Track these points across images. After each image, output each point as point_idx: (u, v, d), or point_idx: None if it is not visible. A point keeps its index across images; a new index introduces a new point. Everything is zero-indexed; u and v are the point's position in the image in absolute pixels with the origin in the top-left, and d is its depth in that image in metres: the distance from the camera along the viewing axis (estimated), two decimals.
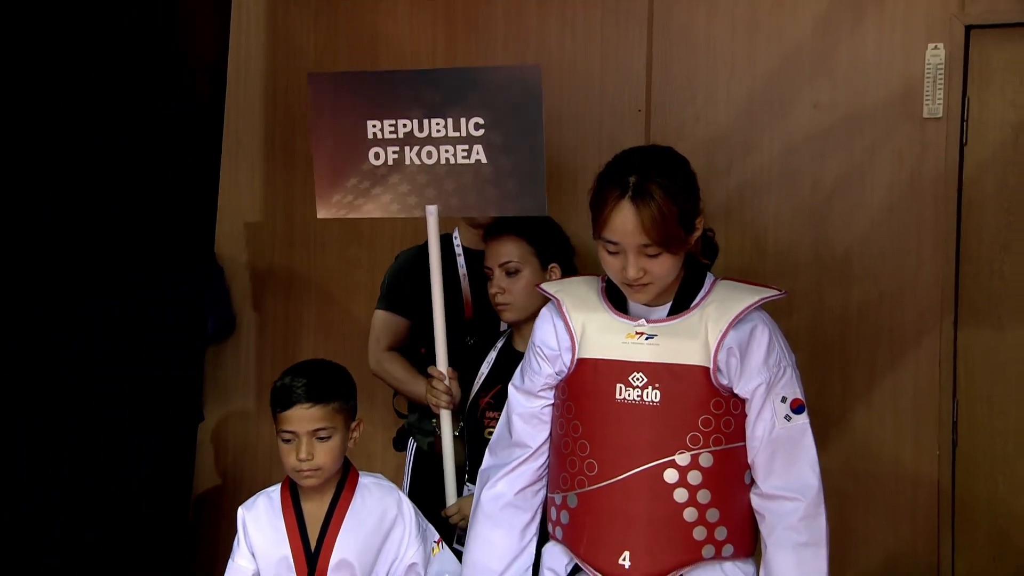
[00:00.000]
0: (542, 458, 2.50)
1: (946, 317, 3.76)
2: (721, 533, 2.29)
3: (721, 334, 2.28)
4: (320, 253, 4.46)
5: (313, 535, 2.53)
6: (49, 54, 3.46)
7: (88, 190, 3.66)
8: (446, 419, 2.95)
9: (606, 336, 2.36)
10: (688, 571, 2.30)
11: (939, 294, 3.77)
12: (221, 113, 4.40)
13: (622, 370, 2.31)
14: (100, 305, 3.72)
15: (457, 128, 2.89)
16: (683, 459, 2.27)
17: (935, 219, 3.78)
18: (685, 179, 2.36)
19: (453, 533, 3.03)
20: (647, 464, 2.28)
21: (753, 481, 2.34)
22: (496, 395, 2.99)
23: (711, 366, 2.28)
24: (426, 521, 2.68)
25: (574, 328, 2.40)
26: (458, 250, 3.67)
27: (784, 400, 2.32)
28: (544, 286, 2.53)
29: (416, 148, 2.87)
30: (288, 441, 2.52)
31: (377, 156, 2.85)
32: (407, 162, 2.87)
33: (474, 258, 3.66)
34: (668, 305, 2.37)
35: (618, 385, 2.31)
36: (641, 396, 2.29)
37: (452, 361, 3.57)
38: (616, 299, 2.42)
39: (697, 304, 2.35)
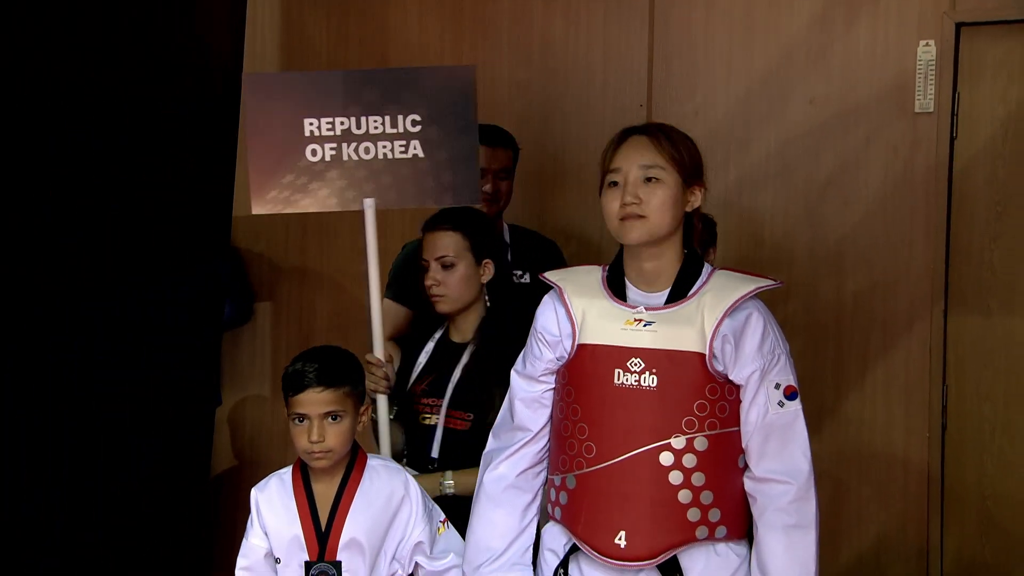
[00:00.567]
0: (543, 441, 2.49)
1: (936, 306, 3.77)
2: (715, 515, 2.28)
3: (717, 321, 2.27)
4: (332, 244, 4.47)
5: (324, 515, 2.52)
6: (49, 54, 3.38)
7: (88, 190, 3.54)
8: (382, 403, 2.92)
9: (605, 323, 2.35)
10: (682, 551, 2.29)
11: (930, 284, 3.78)
12: (237, 108, 4.38)
13: (620, 356, 2.30)
14: (100, 305, 3.60)
15: (395, 125, 2.91)
16: (679, 442, 2.26)
17: (926, 211, 3.78)
18: (693, 142, 2.43)
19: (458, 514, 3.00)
20: (644, 447, 2.26)
21: (746, 465, 2.33)
22: (431, 383, 3.00)
23: (707, 352, 2.26)
24: (432, 501, 2.67)
25: (575, 315, 2.39)
26: None
27: (778, 387, 2.31)
28: (547, 274, 2.52)
29: (354, 144, 2.88)
30: (300, 424, 2.52)
31: (314, 153, 2.85)
32: (345, 158, 2.88)
33: None
34: (666, 293, 2.36)
35: (616, 370, 2.30)
36: (639, 381, 2.28)
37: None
38: (616, 287, 2.41)
39: (695, 293, 2.34)
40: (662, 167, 2.33)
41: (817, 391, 3.74)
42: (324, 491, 2.55)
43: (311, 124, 2.86)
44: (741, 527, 2.35)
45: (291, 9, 4.55)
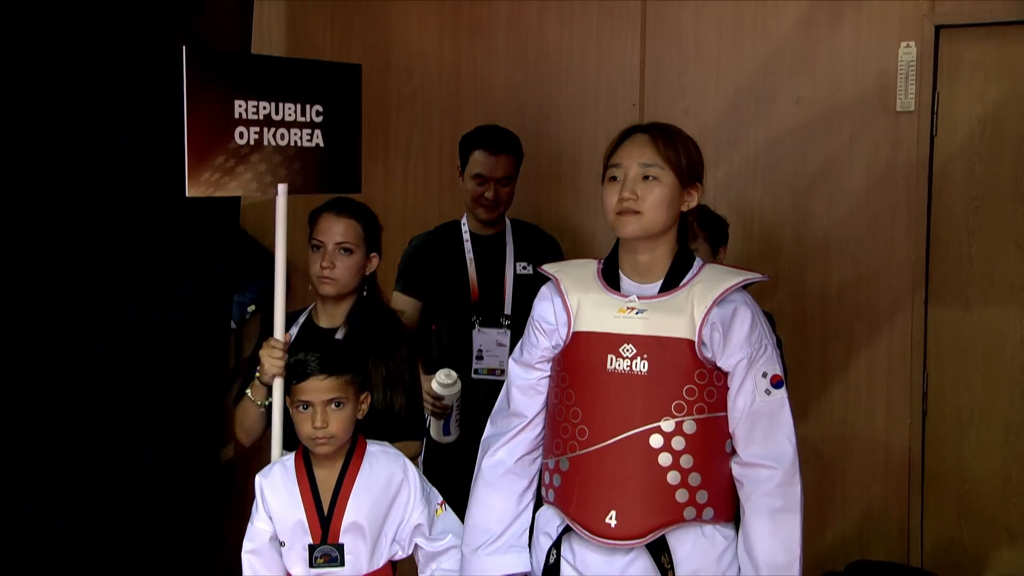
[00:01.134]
0: (539, 428, 2.48)
1: (917, 297, 3.77)
2: (702, 496, 2.27)
3: (706, 310, 2.27)
4: None
5: (326, 499, 2.50)
6: (49, 54, 3.28)
7: (88, 190, 3.43)
8: (278, 387, 2.74)
9: (599, 311, 2.34)
10: (670, 531, 2.28)
11: (911, 275, 3.78)
12: None
13: (613, 342, 2.29)
14: (100, 305, 3.49)
15: (304, 114, 2.86)
16: (668, 425, 2.25)
17: (908, 206, 3.79)
18: (695, 144, 2.43)
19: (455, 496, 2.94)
20: (634, 429, 2.25)
21: (734, 450, 2.33)
22: None
23: (696, 339, 2.26)
24: (430, 485, 2.65)
25: (570, 304, 2.38)
26: (465, 236, 3.64)
27: (765, 375, 2.30)
28: (545, 267, 2.52)
29: (273, 130, 2.81)
30: (304, 411, 2.50)
31: (241, 135, 2.76)
32: (265, 143, 2.80)
33: (481, 244, 3.64)
34: (659, 284, 2.36)
35: (609, 356, 2.29)
36: (630, 366, 2.27)
37: (459, 340, 3.54)
38: (610, 278, 2.41)
39: (685, 284, 2.33)
40: (660, 167, 2.33)
41: (803, 379, 3.73)
42: (326, 477, 2.53)
43: (240, 106, 2.77)
44: (728, 510, 2.34)
45: (296, 13, 4.52)
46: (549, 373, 2.45)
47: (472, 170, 3.58)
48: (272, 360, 2.71)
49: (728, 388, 2.31)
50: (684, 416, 2.25)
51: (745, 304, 2.32)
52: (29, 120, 3.24)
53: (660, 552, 2.28)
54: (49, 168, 3.31)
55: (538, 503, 2.51)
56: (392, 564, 2.61)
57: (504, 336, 3.56)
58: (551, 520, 2.42)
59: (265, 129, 2.79)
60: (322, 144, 2.89)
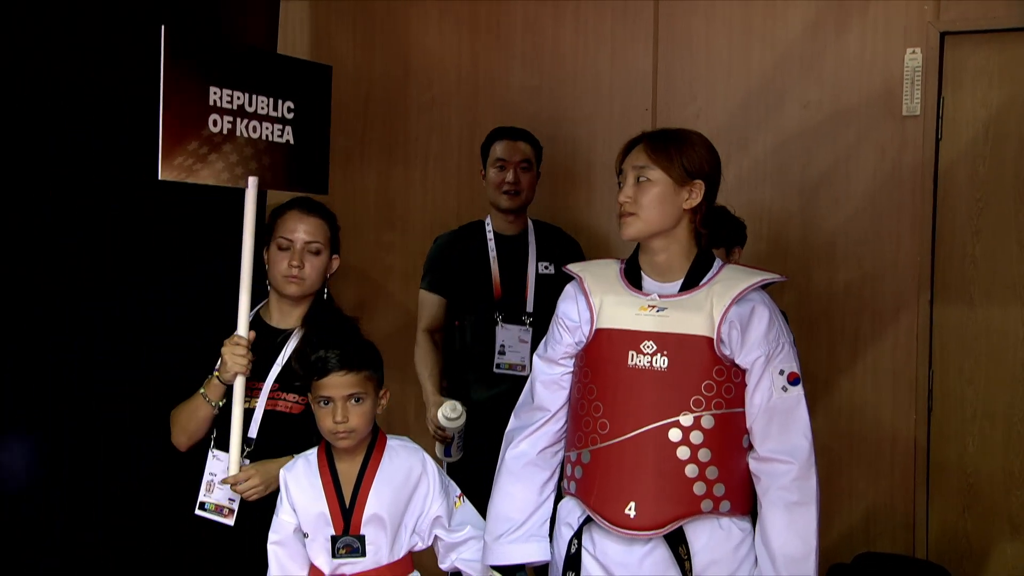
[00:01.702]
0: (561, 421, 2.46)
1: (922, 295, 3.74)
2: (719, 489, 2.24)
3: (725, 308, 2.24)
4: (357, 239, 4.36)
5: (347, 492, 2.46)
6: (49, 54, 3.20)
7: (88, 190, 3.34)
8: (239, 385, 2.63)
9: (621, 309, 2.32)
10: (688, 522, 2.25)
11: (916, 275, 3.75)
12: None
13: (634, 339, 2.28)
14: (100, 305, 3.39)
15: (276, 108, 2.77)
16: (686, 420, 2.22)
17: (913, 207, 3.75)
18: (699, 143, 2.38)
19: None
20: (654, 423, 2.23)
21: (751, 445, 2.29)
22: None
23: (715, 337, 2.23)
24: (448, 478, 2.62)
25: (593, 302, 2.37)
26: (489, 235, 3.59)
27: (782, 373, 2.27)
28: (570, 266, 2.50)
29: (246, 121, 2.71)
30: (325, 406, 2.45)
31: (215, 123, 2.65)
32: (238, 133, 2.70)
33: (504, 243, 3.59)
34: (679, 283, 2.34)
35: (630, 352, 2.27)
36: (651, 362, 2.25)
37: (482, 336, 3.48)
38: (633, 278, 2.39)
39: (705, 283, 2.32)
40: (651, 168, 2.32)
41: (811, 375, 3.63)
42: (347, 470, 2.49)
43: (215, 93, 2.66)
44: (745, 504, 2.31)
45: (319, 21, 4.47)
46: (572, 369, 2.43)
47: (493, 157, 3.56)
48: (235, 358, 2.59)
49: (745, 384, 2.28)
50: (702, 411, 2.23)
51: (763, 303, 2.30)
52: (29, 120, 3.17)
53: (678, 543, 2.25)
54: (49, 168, 3.24)
55: (559, 496, 2.48)
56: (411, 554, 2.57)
57: (526, 333, 3.53)
58: (573, 511, 2.39)
59: (238, 120, 2.69)
60: (292, 141, 2.82)
